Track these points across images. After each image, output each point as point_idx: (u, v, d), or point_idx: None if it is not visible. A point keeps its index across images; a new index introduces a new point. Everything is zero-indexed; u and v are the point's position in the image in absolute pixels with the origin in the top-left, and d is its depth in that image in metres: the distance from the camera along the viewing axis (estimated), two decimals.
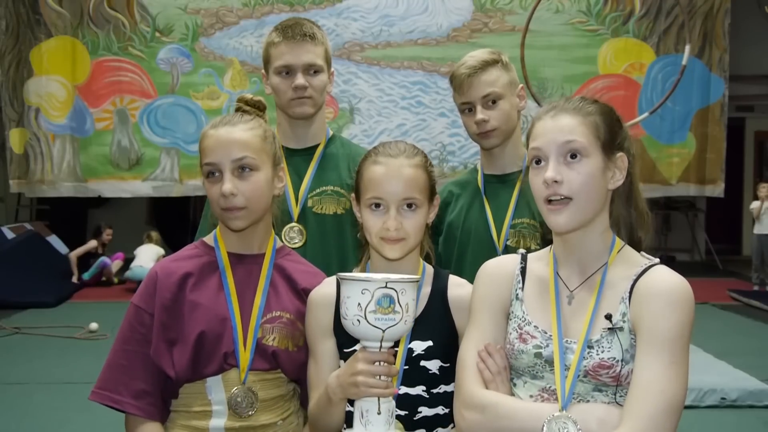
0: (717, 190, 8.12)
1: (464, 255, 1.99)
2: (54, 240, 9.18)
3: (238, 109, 1.64)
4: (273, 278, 1.59)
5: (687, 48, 5.09)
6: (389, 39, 7.88)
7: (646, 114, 6.08)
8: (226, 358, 1.50)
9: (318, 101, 2.01)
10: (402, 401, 1.45)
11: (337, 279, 1.48)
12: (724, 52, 7.95)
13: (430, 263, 1.60)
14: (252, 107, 1.64)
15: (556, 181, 1.31)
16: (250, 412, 1.50)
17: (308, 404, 1.52)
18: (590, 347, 1.30)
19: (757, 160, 12.90)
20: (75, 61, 7.71)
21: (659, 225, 11.28)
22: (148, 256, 8.53)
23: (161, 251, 8.69)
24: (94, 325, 6.12)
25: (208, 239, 1.64)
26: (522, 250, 1.50)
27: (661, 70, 7.84)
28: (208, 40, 7.83)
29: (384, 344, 1.30)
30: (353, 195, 1.57)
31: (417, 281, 1.35)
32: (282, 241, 1.75)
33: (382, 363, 1.31)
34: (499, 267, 1.47)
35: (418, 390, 1.46)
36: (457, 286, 1.54)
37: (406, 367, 1.46)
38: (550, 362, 1.33)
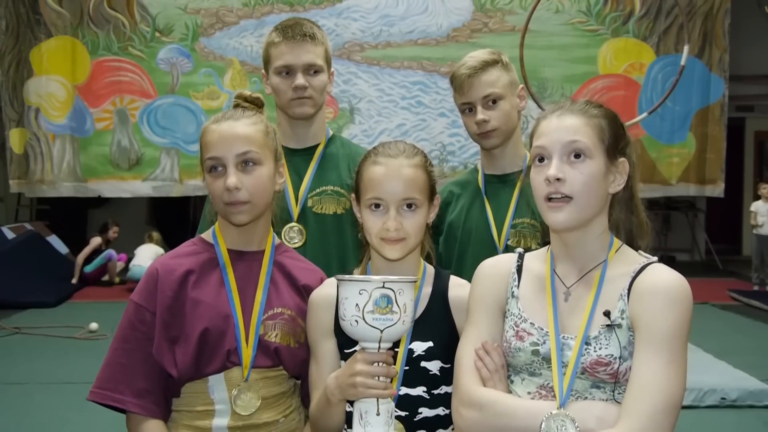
0: (717, 190, 8.11)
1: (465, 255, 1.99)
2: (54, 240, 9.19)
3: (236, 105, 1.63)
4: (273, 275, 1.59)
5: (686, 48, 5.08)
6: (389, 39, 7.88)
7: (644, 114, 6.06)
8: (228, 356, 1.49)
9: (318, 101, 2.01)
10: (402, 402, 1.45)
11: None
12: (724, 52, 7.94)
13: (430, 263, 1.60)
14: (250, 103, 1.64)
15: (558, 179, 1.31)
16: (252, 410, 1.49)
17: (310, 404, 1.52)
18: (588, 344, 1.30)
19: (757, 160, 12.90)
20: (75, 61, 7.70)
21: (659, 225, 11.28)
22: (147, 255, 8.52)
23: (161, 251, 8.68)
24: (94, 325, 6.12)
25: (207, 236, 1.63)
26: (520, 249, 1.50)
27: (661, 70, 7.83)
28: (208, 40, 7.82)
29: (382, 345, 1.30)
30: (353, 195, 1.57)
31: (415, 281, 1.35)
32: (282, 241, 1.75)
33: (380, 364, 1.30)
34: (496, 266, 1.47)
35: (419, 391, 1.46)
36: (457, 287, 1.54)
37: (407, 367, 1.46)
38: (547, 359, 1.33)
